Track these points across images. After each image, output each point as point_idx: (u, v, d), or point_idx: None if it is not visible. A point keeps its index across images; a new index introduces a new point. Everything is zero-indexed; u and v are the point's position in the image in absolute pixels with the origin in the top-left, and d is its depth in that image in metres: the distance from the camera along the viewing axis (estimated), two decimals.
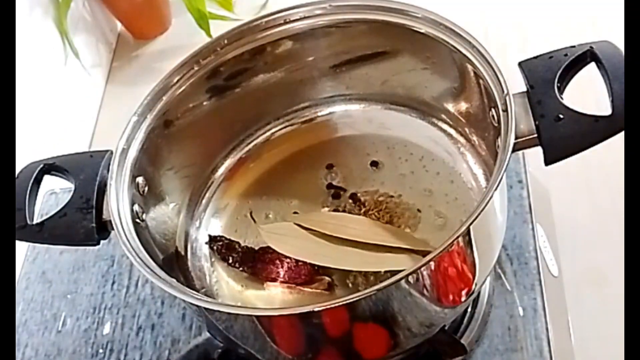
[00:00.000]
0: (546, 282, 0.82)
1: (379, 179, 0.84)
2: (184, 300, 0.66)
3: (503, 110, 0.67)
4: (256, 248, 0.80)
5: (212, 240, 0.83)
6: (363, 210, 0.80)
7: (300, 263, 0.76)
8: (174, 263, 0.81)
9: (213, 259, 0.82)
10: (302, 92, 0.90)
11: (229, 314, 0.66)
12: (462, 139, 0.83)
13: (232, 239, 0.82)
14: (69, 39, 1.89)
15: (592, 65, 0.70)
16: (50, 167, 0.79)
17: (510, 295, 0.81)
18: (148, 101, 0.79)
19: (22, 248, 0.99)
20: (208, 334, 0.80)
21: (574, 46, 0.71)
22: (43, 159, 0.79)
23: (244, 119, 0.89)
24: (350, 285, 0.75)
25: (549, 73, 0.70)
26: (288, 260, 0.77)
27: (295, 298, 0.76)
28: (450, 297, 0.68)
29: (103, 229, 0.74)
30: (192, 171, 0.86)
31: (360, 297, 0.60)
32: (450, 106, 0.83)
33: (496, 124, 0.69)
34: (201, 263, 0.82)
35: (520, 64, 0.71)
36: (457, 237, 0.61)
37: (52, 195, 1.03)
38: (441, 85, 0.82)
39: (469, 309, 0.80)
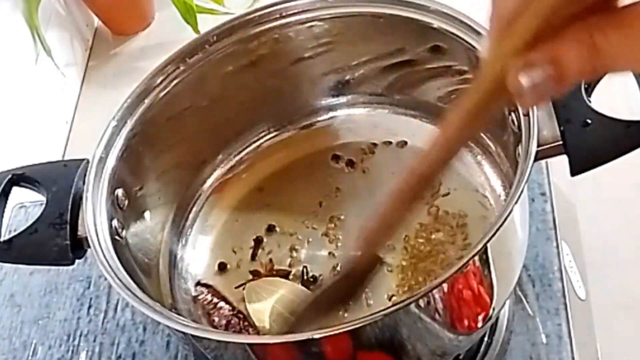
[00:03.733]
0: (572, 306, 0.82)
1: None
2: (168, 327, 0.66)
3: (524, 114, 0.67)
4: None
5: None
6: None
7: None
8: (157, 285, 0.80)
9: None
10: (300, 95, 0.90)
11: (218, 341, 0.66)
12: (478, 147, 0.83)
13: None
14: (41, 35, 1.90)
15: None
16: (20, 178, 0.78)
17: (532, 320, 0.81)
18: (128, 104, 0.79)
19: None
20: None
21: None
22: (11, 169, 0.79)
23: (235, 124, 0.90)
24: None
25: None
26: None
27: None
28: (465, 322, 0.68)
29: (78, 246, 0.74)
30: (178, 183, 0.86)
31: (365, 323, 0.59)
32: None
33: (516, 130, 0.69)
34: (187, 285, 0.82)
35: None
36: (473, 255, 0.61)
37: (22, 209, 1.03)
38: (454, 86, 0.82)
39: (486, 337, 0.80)
